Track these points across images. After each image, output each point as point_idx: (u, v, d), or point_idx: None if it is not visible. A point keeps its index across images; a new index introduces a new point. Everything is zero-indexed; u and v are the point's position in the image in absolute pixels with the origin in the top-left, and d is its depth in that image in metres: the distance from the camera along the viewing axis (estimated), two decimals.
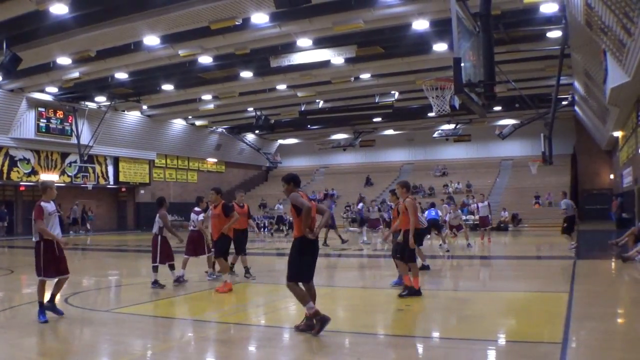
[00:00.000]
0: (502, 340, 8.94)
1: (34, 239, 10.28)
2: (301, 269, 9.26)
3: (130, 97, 41.54)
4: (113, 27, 25.17)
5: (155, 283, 14.27)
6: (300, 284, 9.19)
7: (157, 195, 50.90)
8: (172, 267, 14.81)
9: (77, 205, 46.57)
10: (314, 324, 9.03)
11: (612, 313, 10.88)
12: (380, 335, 9.59)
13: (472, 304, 12.12)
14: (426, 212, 23.35)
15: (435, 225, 23.65)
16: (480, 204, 28.48)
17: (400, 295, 11.94)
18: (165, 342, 9.13)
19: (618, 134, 37.60)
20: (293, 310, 11.36)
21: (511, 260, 22.25)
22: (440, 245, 24.35)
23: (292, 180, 9.60)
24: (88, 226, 47.15)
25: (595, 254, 22.74)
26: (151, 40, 27.16)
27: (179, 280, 14.85)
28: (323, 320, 8.96)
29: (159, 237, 14.61)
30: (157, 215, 14.66)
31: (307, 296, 9.14)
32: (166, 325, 10.11)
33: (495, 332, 9.44)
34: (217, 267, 15.11)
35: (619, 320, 10.48)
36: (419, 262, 15.66)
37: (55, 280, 10.39)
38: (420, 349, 8.56)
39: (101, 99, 42.08)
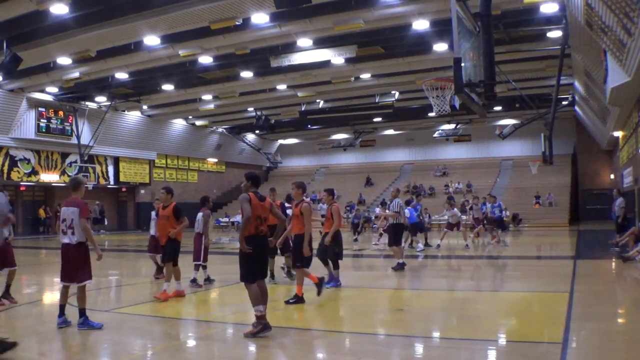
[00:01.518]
0: (502, 340, 8.94)
1: (73, 240, 9.62)
2: (249, 269, 9.33)
3: (130, 97, 41.56)
4: (113, 27, 25.17)
5: (194, 281, 14.62)
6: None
7: (156, 195, 51.08)
8: (204, 267, 15.10)
9: (97, 205, 46.75)
10: (267, 325, 9.11)
11: (612, 313, 10.88)
12: (381, 335, 9.59)
13: (472, 303, 12.13)
14: (407, 211, 23.52)
15: (415, 227, 23.91)
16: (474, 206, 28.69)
17: (287, 302, 11.56)
18: (165, 342, 9.14)
19: (618, 133, 37.58)
20: (295, 309, 11.37)
21: (511, 260, 22.24)
22: (413, 244, 24.79)
23: (251, 179, 9.73)
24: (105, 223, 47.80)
25: (596, 253, 22.74)
26: (151, 40, 27.17)
27: (209, 280, 15.06)
28: (264, 327, 9.03)
29: (202, 237, 14.92)
30: (201, 214, 15.00)
31: (259, 298, 9.18)
32: (167, 325, 10.11)
33: (495, 332, 9.44)
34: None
35: (620, 321, 10.48)
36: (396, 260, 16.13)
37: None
38: (420, 349, 8.55)
39: (101, 99, 42.10)
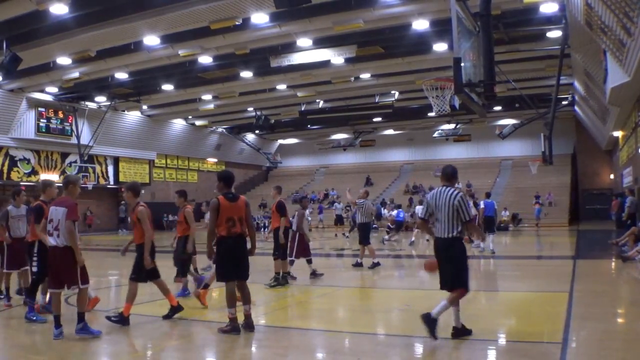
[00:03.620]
0: (502, 340, 8.95)
1: (59, 243, 9.11)
2: (222, 270, 9.44)
3: (130, 97, 41.54)
4: (113, 27, 25.15)
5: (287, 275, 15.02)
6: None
7: (158, 194, 51.19)
8: (309, 262, 15.79)
9: (123, 205, 46.87)
10: (236, 327, 9.18)
11: (612, 313, 10.89)
12: (381, 335, 9.60)
13: (472, 303, 12.11)
14: (395, 212, 23.66)
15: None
16: None
17: (164, 317, 10.49)
18: (163, 342, 9.14)
19: (618, 133, 37.60)
20: (291, 310, 11.38)
21: (511, 260, 22.23)
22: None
23: (222, 180, 9.69)
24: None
25: (596, 253, 22.74)
26: (151, 40, 27.15)
27: (315, 274, 15.66)
28: (234, 329, 9.13)
29: (297, 235, 15.54)
30: (297, 214, 15.65)
31: (233, 300, 9.24)
32: (166, 325, 10.10)
33: (495, 331, 9.44)
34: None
35: (619, 320, 10.49)
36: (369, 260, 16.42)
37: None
38: (420, 349, 8.56)
39: (101, 99, 42.11)
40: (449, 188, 8.78)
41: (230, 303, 9.20)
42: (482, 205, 23.89)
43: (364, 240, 18.30)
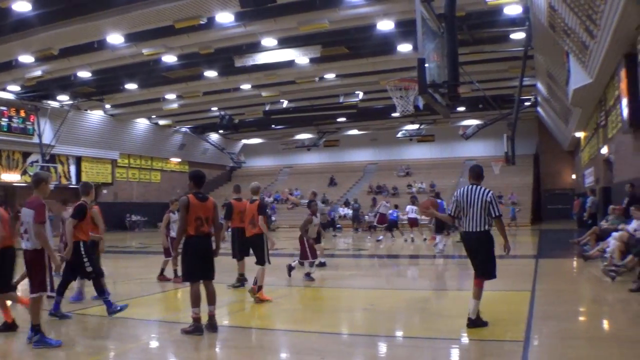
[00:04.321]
0: (465, 339, 9.00)
1: (29, 246, 8.78)
2: (188, 269, 9.42)
3: (93, 96, 41.18)
4: (76, 25, 24.90)
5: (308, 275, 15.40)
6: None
7: (121, 194, 50.80)
8: (306, 264, 15.71)
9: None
10: (200, 327, 9.16)
11: (573, 311, 11.04)
12: (345, 334, 9.62)
13: (435, 303, 12.22)
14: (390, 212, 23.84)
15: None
16: (408, 207, 29.14)
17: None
18: (127, 343, 9.08)
19: (580, 134, 38.04)
20: (255, 310, 11.38)
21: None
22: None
23: (193, 179, 9.71)
24: None
25: (557, 253, 22.97)
26: (115, 38, 26.91)
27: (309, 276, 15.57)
28: (197, 329, 9.11)
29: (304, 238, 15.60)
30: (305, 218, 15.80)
31: (198, 300, 9.23)
32: (129, 326, 10.05)
33: (458, 330, 9.49)
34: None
35: (581, 319, 10.62)
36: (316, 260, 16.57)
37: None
38: (384, 348, 8.60)
39: (64, 98, 41.70)
40: (479, 186, 9.61)
41: (194, 303, 9.18)
42: None
43: (317, 240, 18.19)
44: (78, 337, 9.33)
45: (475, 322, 9.12)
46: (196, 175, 9.70)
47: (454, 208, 9.59)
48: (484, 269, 9.43)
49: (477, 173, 9.81)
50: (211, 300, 9.37)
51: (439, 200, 24.12)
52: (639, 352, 7.76)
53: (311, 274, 15.42)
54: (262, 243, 12.37)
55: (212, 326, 9.24)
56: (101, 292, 10.64)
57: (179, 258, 9.95)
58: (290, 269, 15.70)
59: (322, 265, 18.27)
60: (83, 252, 10.54)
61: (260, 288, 12.14)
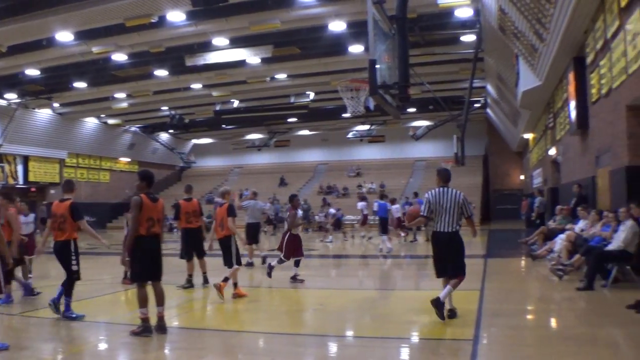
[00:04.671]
0: (415, 338, 9.08)
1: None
2: (137, 270, 9.35)
3: (41, 94, 40.55)
4: (25, 22, 24.51)
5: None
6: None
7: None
8: (297, 263, 15.34)
9: (44, 206, 45.63)
10: (148, 327, 9.10)
11: (521, 310, 11.18)
12: (295, 335, 9.61)
13: (385, 302, 12.28)
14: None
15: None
16: (360, 204, 29.40)
17: None
18: (75, 345, 8.98)
19: (529, 136, 38.52)
20: (205, 311, 11.33)
21: (423, 259, 22.53)
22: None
23: (145, 180, 9.60)
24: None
25: (506, 252, 23.21)
26: (64, 36, 26.54)
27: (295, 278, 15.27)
28: (146, 329, 9.05)
29: (288, 234, 15.26)
30: (288, 214, 15.64)
31: (145, 301, 9.16)
32: (78, 328, 9.93)
33: (408, 330, 9.57)
34: None
35: (529, 317, 10.76)
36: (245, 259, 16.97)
37: None
38: (334, 348, 8.62)
39: (11, 96, 40.97)
40: (450, 188, 9.99)
41: (142, 303, 9.10)
42: (375, 207, 24.59)
43: (251, 240, 18.90)
44: (26, 340, 9.17)
45: (454, 313, 9.84)
46: (148, 175, 9.63)
47: (427, 209, 9.94)
48: (459, 265, 9.90)
49: (446, 176, 10.25)
50: (160, 301, 9.28)
51: (382, 202, 24.54)
52: (586, 349, 7.87)
53: (297, 276, 15.24)
54: (231, 245, 12.51)
55: (161, 327, 9.16)
56: (68, 293, 10.52)
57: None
58: (270, 268, 15.52)
59: (249, 265, 18.49)
60: (72, 251, 10.53)
61: (235, 285, 12.49)
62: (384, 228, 23.72)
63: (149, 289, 9.28)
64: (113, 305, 11.98)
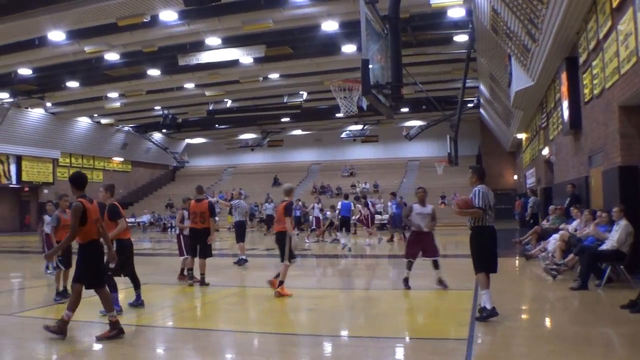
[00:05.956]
0: (409, 338, 9.06)
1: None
2: (96, 274, 8.97)
3: (34, 93, 40.52)
4: (17, 21, 24.52)
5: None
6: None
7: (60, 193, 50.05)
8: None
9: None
10: (119, 329, 8.86)
11: (515, 309, 11.18)
12: (290, 334, 9.59)
13: (379, 302, 12.26)
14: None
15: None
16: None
17: None
18: (70, 345, 8.93)
19: (522, 136, 38.53)
20: (199, 311, 11.30)
21: (417, 259, 22.51)
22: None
23: (75, 182, 9.19)
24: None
25: (500, 252, 23.17)
26: (56, 35, 26.52)
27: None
28: (119, 331, 8.77)
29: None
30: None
31: (113, 301, 9.02)
32: (72, 328, 9.88)
33: (402, 329, 9.56)
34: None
35: (523, 316, 10.76)
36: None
37: None
38: (329, 347, 8.59)
39: (4, 96, 40.90)
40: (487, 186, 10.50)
41: (110, 306, 8.90)
42: (338, 206, 25.06)
43: (240, 238, 19.39)
44: (22, 340, 9.12)
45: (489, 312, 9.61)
46: (78, 177, 9.25)
47: (484, 202, 10.47)
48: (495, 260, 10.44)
49: (484, 174, 11.19)
50: (111, 307, 9.04)
51: (346, 202, 25.51)
52: (579, 349, 7.87)
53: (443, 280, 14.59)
54: (284, 241, 12.65)
55: (120, 330, 8.89)
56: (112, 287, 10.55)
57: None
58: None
59: (244, 261, 18.87)
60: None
61: (281, 283, 12.54)
62: (345, 226, 24.86)
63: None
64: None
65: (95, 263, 8.95)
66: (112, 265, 10.41)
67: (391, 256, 23.22)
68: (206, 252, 14.53)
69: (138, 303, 11.13)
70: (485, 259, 10.17)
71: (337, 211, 26.95)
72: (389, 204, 31.24)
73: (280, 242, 12.77)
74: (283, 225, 12.59)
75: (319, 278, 17.67)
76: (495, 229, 10.30)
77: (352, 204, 25.84)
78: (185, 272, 14.75)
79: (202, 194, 15.15)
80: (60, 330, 8.73)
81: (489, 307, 9.49)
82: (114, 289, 10.53)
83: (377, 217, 37.80)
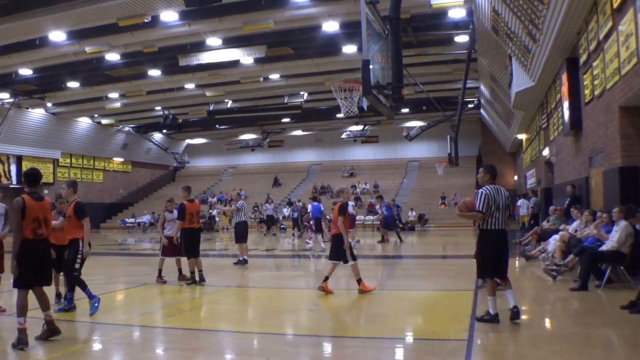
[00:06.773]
0: (409, 339, 9.05)
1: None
2: (23, 275, 8.54)
3: (34, 94, 40.47)
4: (18, 21, 24.47)
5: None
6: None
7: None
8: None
9: None
10: (54, 329, 8.74)
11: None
12: (290, 335, 9.60)
13: (380, 302, 12.25)
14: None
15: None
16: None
17: None
18: (68, 345, 8.92)
19: (522, 136, 38.56)
20: (199, 311, 11.30)
21: (417, 259, 22.55)
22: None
23: (27, 178, 9.24)
24: None
25: None
26: (57, 36, 26.49)
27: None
28: (21, 341, 8.36)
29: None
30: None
31: (24, 309, 8.45)
32: (70, 329, 9.88)
33: (402, 330, 9.56)
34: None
35: (523, 317, 10.69)
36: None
37: None
38: (329, 348, 8.59)
39: (4, 96, 40.83)
40: (500, 187, 10.10)
41: (23, 312, 8.44)
42: (309, 208, 25.28)
43: (242, 239, 19.40)
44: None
45: (491, 317, 9.44)
46: (31, 174, 9.23)
47: (486, 205, 9.78)
48: (507, 264, 9.78)
49: (496, 173, 10.69)
50: (47, 306, 8.84)
51: (315, 204, 25.93)
52: (580, 349, 7.88)
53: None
54: (341, 242, 12.72)
55: (56, 331, 8.77)
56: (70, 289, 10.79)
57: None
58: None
59: (243, 262, 18.99)
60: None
61: (359, 281, 12.81)
62: (317, 227, 25.01)
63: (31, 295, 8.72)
64: (106, 305, 11.92)
65: (24, 262, 8.53)
66: (77, 266, 10.77)
67: (385, 257, 23.22)
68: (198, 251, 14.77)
69: (70, 306, 11.03)
70: (489, 264, 9.61)
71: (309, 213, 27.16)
72: (377, 206, 31.38)
73: (336, 244, 12.88)
74: (337, 227, 12.72)
75: (321, 278, 17.66)
76: (506, 231, 9.74)
77: (321, 205, 26.11)
78: (189, 274, 14.75)
79: (190, 194, 15.29)
80: (25, 340, 8.39)
81: (492, 312, 9.38)
82: (83, 284, 10.82)
83: (370, 218, 38.06)
